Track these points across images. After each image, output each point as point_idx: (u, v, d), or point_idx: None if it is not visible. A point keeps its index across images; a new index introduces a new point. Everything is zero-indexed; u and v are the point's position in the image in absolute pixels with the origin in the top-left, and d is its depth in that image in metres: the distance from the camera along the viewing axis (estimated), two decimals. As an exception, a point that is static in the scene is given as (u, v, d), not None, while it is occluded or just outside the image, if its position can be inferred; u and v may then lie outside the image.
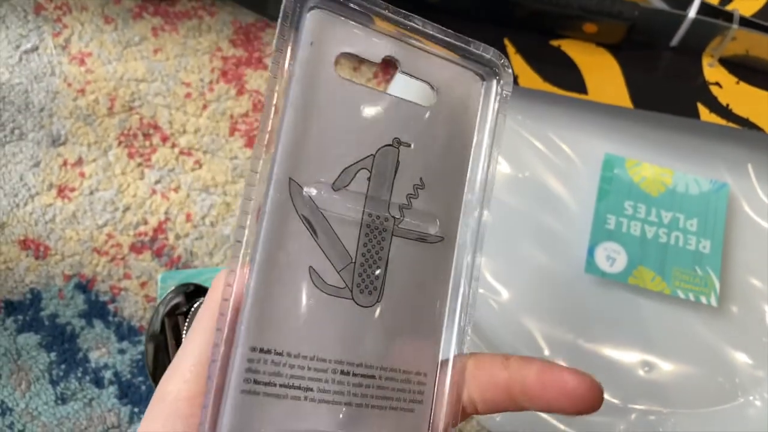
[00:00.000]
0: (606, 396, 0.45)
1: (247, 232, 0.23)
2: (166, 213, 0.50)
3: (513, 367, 0.24)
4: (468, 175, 0.26)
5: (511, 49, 0.50)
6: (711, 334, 0.47)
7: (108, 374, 0.47)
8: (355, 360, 0.24)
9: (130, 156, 0.50)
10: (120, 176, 0.50)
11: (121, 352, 0.47)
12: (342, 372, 0.24)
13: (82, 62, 0.52)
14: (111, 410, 0.46)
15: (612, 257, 0.48)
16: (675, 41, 0.50)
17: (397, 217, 0.25)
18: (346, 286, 0.24)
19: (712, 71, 0.50)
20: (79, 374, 0.46)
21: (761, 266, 0.49)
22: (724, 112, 0.49)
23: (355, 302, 0.24)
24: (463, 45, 0.26)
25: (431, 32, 0.26)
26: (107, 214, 0.49)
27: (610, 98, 0.49)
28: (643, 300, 0.48)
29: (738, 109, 0.49)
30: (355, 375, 0.24)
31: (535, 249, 0.49)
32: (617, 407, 0.45)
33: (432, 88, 0.26)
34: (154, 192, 0.50)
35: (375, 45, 0.25)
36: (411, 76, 0.26)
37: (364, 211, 0.24)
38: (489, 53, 0.26)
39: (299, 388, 0.23)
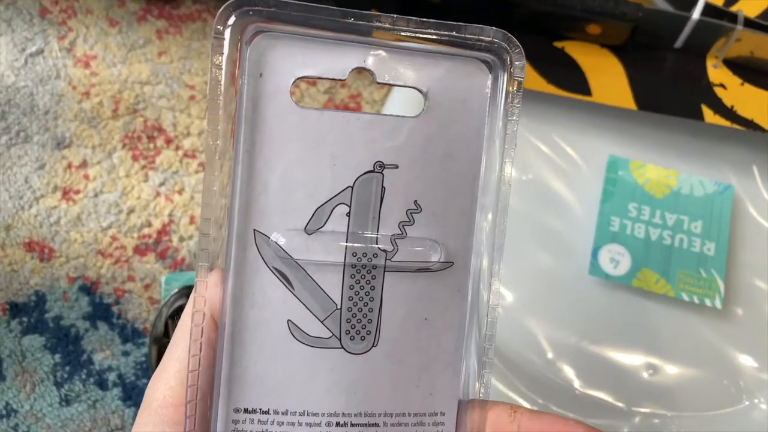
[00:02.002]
0: (610, 399, 0.45)
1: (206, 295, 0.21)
2: (170, 215, 0.50)
3: (521, 421, 0.22)
4: (480, 184, 0.23)
5: (514, 51, 0.50)
6: (715, 337, 0.47)
7: (112, 376, 0.47)
8: (352, 410, 0.22)
9: (135, 158, 0.51)
10: (124, 179, 0.50)
11: (125, 354, 0.47)
12: (338, 424, 0.22)
13: (86, 65, 0.53)
14: (115, 412, 0.47)
15: (616, 259, 0.47)
16: (679, 42, 0.50)
17: (389, 250, 0.22)
18: (332, 336, 0.22)
19: (717, 72, 0.50)
20: (84, 376, 0.47)
21: (766, 268, 0.48)
22: (728, 113, 0.48)
23: (346, 350, 0.22)
24: (454, 33, 0.22)
25: (408, 27, 0.22)
26: (111, 217, 0.49)
27: (614, 100, 0.49)
28: (647, 302, 0.48)
29: (743, 111, 0.48)
30: (353, 426, 0.22)
31: (539, 251, 0.48)
32: (621, 410, 0.45)
33: (420, 92, 0.22)
34: (158, 194, 0.50)
35: (338, 59, 0.21)
36: (392, 84, 0.22)
37: (346, 251, 0.22)
38: (490, 35, 0.22)
39: None
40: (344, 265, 0.22)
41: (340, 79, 0.22)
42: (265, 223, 0.22)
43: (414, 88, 0.22)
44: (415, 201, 0.22)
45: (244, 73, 0.21)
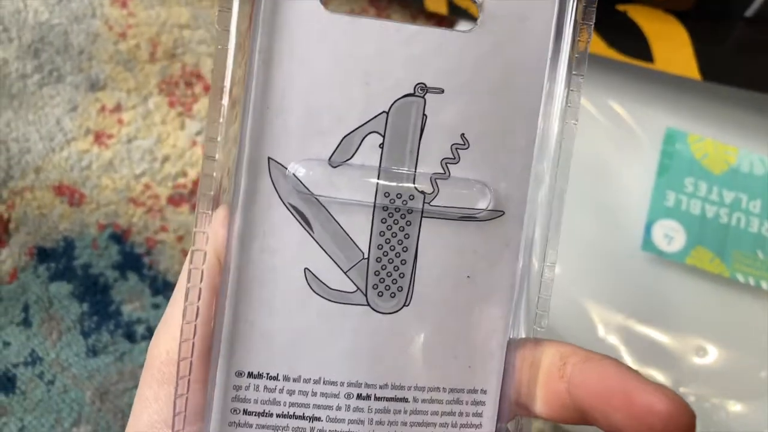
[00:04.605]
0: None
1: (206, 236, 0.18)
2: (204, 166, 0.48)
3: (571, 376, 0.18)
4: (540, 121, 0.19)
5: (575, 11, 0.47)
6: (770, 322, 0.45)
7: (141, 329, 0.45)
8: (377, 380, 0.19)
9: (171, 105, 0.48)
10: (160, 125, 0.48)
11: (155, 306, 0.46)
12: (359, 396, 0.19)
13: (124, 5, 0.50)
14: (142, 366, 0.45)
15: (670, 235, 0.45)
16: (750, 11, 0.47)
17: (428, 192, 0.19)
18: (357, 290, 0.19)
19: (788, 45, 0.47)
20: (111, 327, 0.45)
21: (827, 254, 0.46)
22: (798, 88, 0.46)
23: (372, 308, 0.19)
24: None
25: None
26: (145, 164, 0.47)
27: (677, 68, 0.47)
28: (700, 282, 0.45)
29: (814, 86, 0.46)
30: (378, 399, 0.19)
31: (590, 223, 0.46)
32: (669, 392, 0.43)
33: (474, 2, 0.19)
34: (194, 143, 0.48)
35: None
36: None
37: (377, 189, 0.19)
38: None
39: (303, 417, 0.19)
40: (374, 206, 0.19)
41: None
42: (281, 150, 0.18)
43: None
44: (462, 134, 0.19)
45: None
